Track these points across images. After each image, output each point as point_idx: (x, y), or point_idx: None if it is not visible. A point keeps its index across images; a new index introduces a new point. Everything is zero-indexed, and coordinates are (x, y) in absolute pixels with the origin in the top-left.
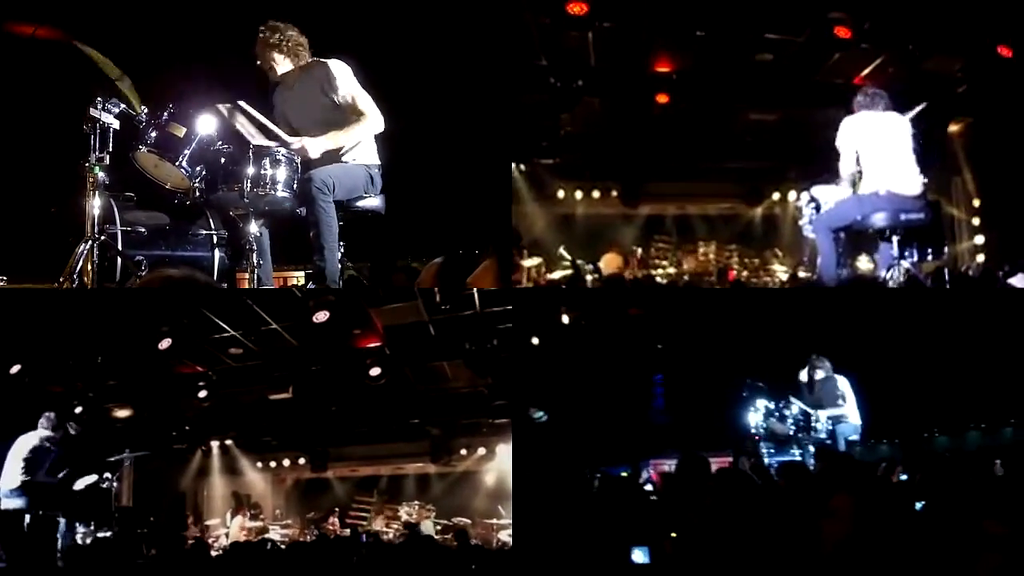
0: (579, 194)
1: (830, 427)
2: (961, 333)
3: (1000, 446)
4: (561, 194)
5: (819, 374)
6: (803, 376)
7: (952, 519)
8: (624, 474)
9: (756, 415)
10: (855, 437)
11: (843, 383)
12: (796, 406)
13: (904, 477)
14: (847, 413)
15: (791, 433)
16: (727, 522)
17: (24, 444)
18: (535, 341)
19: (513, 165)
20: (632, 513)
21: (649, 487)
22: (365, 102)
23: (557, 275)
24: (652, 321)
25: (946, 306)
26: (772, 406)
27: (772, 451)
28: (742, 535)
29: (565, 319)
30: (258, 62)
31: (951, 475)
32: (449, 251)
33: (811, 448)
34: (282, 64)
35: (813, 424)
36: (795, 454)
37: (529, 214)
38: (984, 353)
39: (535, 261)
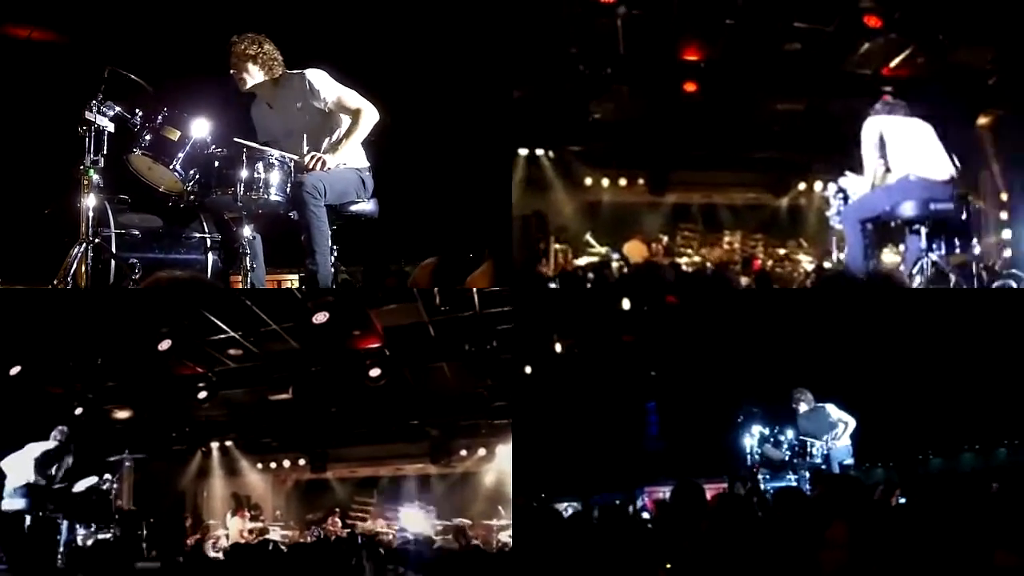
0: (606, 181)
1: (825, 452)
2: (963, 338)
3: (995, 467)
4: (588, 181)
5: (803, 407)
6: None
7: (956, 546)
8: (618, 502)
9: (751, 441)
10: (849, 461)
11: (833, 410)
12: (791, 431)
13: (903, 500)
14: (840, 439)
15: (786, 459)
16: (723, 551)
17: (35, 449)
18: (528, 370)
19: (541, 152)
20: (625, 542)
21: (644, 515)
22: (353, 98)
23: (583, 261)
24: (645, 348)
25: (950, 309)
26: (767, 432)
27: (768, 477)
28: (738, 565)
29: (558, 347)
30: (231, 71)
31: (951, 498)
32: (444, 252)
33: (807, 473)
34: (254, 76)
35: (809, 450)
36: (791, 479)
37: (557, 200)
38: (983, 361)
39: (562, 247)
